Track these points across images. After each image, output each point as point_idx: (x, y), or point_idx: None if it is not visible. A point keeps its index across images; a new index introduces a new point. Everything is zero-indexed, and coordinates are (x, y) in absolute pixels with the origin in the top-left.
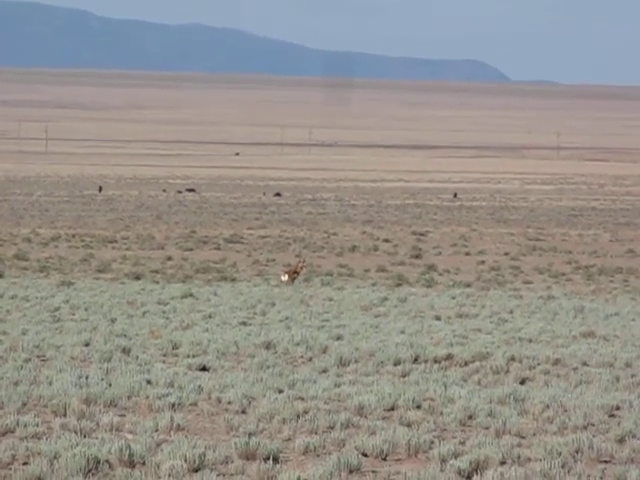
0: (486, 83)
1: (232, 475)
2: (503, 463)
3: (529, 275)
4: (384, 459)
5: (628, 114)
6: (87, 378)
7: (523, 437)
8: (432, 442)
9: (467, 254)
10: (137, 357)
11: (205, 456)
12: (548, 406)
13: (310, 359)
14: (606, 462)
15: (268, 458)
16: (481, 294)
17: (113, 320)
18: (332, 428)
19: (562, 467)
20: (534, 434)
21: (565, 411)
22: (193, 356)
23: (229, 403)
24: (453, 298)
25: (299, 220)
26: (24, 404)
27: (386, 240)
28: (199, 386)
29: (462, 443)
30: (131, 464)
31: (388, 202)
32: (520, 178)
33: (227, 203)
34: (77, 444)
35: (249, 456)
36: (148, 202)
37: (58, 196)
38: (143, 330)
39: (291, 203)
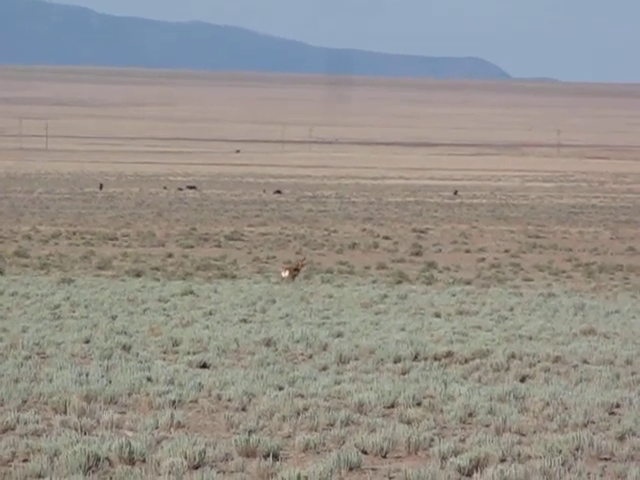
0: (487, 80)
1: (232, 472)
2: (503, 461)
3: (529, 272)
4: (384, 456)
5: (629, 112)
6: (87, 375)
7: (523, 435)
8: (432, 440)
9: (467, 251)
10: (137, 354)
11: (205, 453)
12: (548, 404)
13: (310, 356)
14: (606, 460)
15: (268, 455)
16: (481, 291)
17: (113, 317)
18: (332, 425)
19: (562, 465)
20: (534, 432)
21: (565, 409)
22: (193, 353)
23: (229, 400)
24: (453, 295)
25: (299, 217)
26: (24, 401)
27: (386, 237)
28: (199, 383)
29: (462, 441)
30: (131, 461)
31: (388, 199)
32: (521, 176)
33: (228, 200)
34: (77, 441)
35: (249, 453)
36: (149, 199)
37: (59, 193)
38: (143, 327)
39: (291, 200)
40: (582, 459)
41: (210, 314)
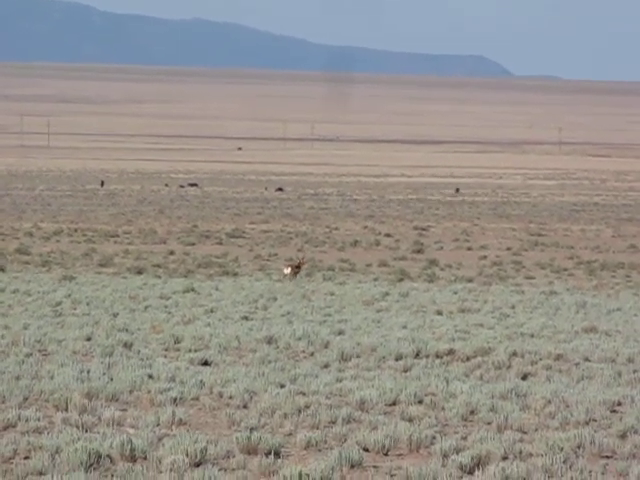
0: (488, 78)
1: (234, 470)
2: (505, 458)
3: (531, 270)
4: (386, 454)
5: (631, 110)
6: (89, 372)
7: (525, 432)
8: (434, 437)
9: (469, 249)
10: (139, 351)
11: (207, 451)
12: (550, 401)
13: (312, 354)
14: (608, 457)
15: (270, 453)
16: (483, 289)
17: (115, 315)
18: (334, 423)
19: (564, 462)
20: (536, 429)
21: (567, 406)
22: (195, 351)
23: (231, 398)
24: (455, 293)
25: (301, 215)
26: (26, 398)
27: (388, 235)
28: (201, 381)
29: (464, 438)
30: (132, 458)
31: (390, 197)
32: (522, 173)
33: (229, 198)
34: (79, 438)
35: (251, 451)
36: (150, 197)
37: (60, 190)
38: (145, 324)
39: (293, 198)
40: (584, 457)
41: (211, 311)
